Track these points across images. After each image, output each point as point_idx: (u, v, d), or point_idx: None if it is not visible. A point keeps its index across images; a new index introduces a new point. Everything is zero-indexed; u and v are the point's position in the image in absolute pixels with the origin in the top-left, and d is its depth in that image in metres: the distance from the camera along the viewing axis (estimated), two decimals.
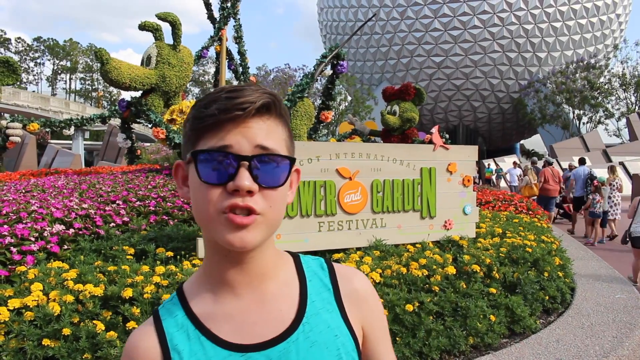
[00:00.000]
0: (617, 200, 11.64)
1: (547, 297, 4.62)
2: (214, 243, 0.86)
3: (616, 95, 43.82)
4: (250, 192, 0.80)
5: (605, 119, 43.93)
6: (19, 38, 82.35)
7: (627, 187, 19.40)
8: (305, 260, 1.00)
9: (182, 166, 0.90)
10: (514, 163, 21.14)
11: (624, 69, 43.94)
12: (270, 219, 0.84)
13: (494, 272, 4.38)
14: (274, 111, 0.85)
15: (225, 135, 0.81)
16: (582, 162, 14.06)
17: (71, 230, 4.12)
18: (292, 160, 0.86)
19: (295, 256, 1.00)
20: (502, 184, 22.82)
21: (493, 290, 4.17)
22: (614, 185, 11.67)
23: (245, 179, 0.79)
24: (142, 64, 7.37)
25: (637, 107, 42.72)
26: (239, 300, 0.89)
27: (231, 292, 0.89)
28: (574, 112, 43.52)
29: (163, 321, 0.89)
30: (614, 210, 11.60)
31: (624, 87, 43.46)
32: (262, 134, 0.82)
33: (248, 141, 0.81)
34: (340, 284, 0.97)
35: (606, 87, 42.35)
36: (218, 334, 0.87)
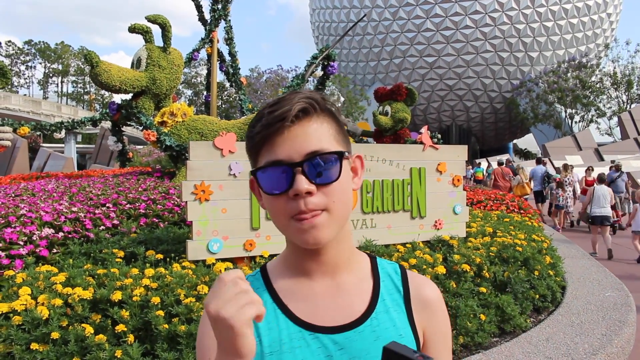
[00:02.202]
0: (569, 194, 13.49)
1: (537, 296, 4.64)
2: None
3: (607, 94, 44.11)
4: (309, 193, 0.87)
5: (597, 117, 44.21)
6: (10, 41, 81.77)
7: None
8: (381, 262, 1.07)
9: (253, 180, 0.99)
10: (539, 160, 16.67)
11: (615, 68, 44.26)
12: (336, 213, 0.91)
13: (484, 272, 4.40)
14: (314, 112, 0.91)
15: (276, 148, 0.89)
16: (539, 161, 16.42)
17: (60, 234, 4.10)
18: (340, 154, 0.91)
19: (373, 257, 1.08)
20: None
21: (483, 289, 4.19)
22: (566, 181, 13.50)
23: (302, 183, 0.87)
24: (132, 66, 7.35)
25: (628, 106, 43.00)
26: (315, 285, 0.98)
27: (308, 278, 0.98)
28: (566, 111, 43.77)
29: None
30: (566, 203, 13.47)
31: (615, 86, 43.75)
32: (308, 139, 0.89)
33: (297, 150, 0.88)
34: (411, 288, 1.04)
35: (598, 86, 42.62)
36: (293, 311, 0.96)
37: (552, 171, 16.58)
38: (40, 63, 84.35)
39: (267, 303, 0.96)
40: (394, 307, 1.00)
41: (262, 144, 0.90)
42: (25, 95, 62.37)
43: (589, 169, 16.05)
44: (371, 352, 0.93)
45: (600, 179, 11.07)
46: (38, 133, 8.80)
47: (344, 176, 0.91)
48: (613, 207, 10.72)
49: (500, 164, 17.01)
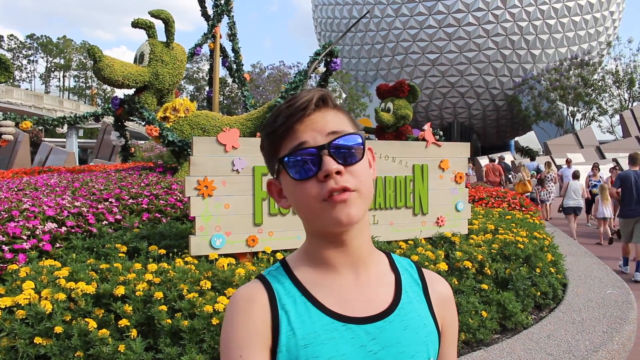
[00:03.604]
0: (550, 189, 14.83)
1: (538, 293, 4.65)
2: (315, 228, 0.97)
3: (609, 92, 44.02)
4: (339, 173, 0.89)
5: (598, 115, 44.14)
6: (12, 35, 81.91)
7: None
8: (396, 258, 1.10)
9: (274, 182, 1.01)
10: (532, 157, 17.60)
11: (617, 66, 44.18)
12: (364, 192, 0.93)
13: (486, 269, 4.40)
14: (330, 103, 0.95)
15: (299, 135, 0.92)
16: (532, 158, 19.11)
17: (63, 229, 4.11)
18: (361, 135, 0.95)
19: (388, 253, 1.10)
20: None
21: (485, 286, 4.19)
22: (548, 177, 14.93)
23: (331, 163, 0.89)
24: (135, 61, 7.35)
25: (630, 104, 42.92)
26: (342, 278, 0.99)
27: (334, 271, 0.99)
28: (567, 109, 43.70)
29: (272, 284, 0.98)
30: (548, 197, 14.94)
31: (617, 84, 43.67)
32: (328, 122, 0.93)
33: (319, 132, 0.92)
34: (428, 282, 1.07)
35: (600, 84, 42.53)
36: (323, 302, 0.96)
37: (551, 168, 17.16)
38: (42, 57, 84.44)
39: (295, 296, 0.96)
40: (416, 298, 1.03)
41: (284, 135, 0.93)
42: (27, 89, 62.36)
43: (615, 169, 15.82)
44: (401, 341, 0.96)
45: (575, 176, 12.70)
46: (40, 127, 8.80)
47: (365, 158, 0.95)
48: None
49: (492, 160, 18.47)
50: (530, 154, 18.49)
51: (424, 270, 1.10)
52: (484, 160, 28.32)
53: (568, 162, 16.19)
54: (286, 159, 0.92)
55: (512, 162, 22.32)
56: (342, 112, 0.97)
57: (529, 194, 15.00)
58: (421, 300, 1.03)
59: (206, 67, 53.50)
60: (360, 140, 0.94)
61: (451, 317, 1.08)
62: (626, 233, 8.73)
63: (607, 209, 11.11)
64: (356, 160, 0.92)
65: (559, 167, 18.33)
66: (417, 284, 1.05)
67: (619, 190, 8.83)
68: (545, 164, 16.01)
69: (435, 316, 1.03)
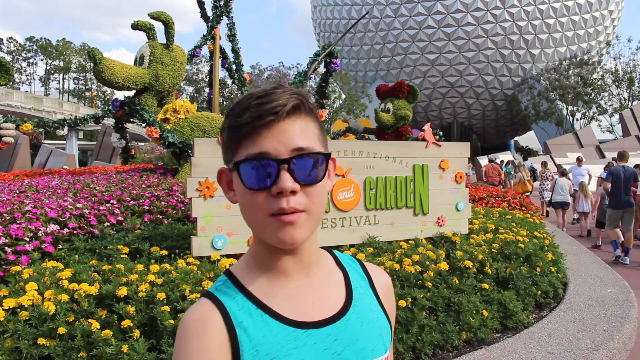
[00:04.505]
0: (546, 186, 15.15)
1: (539, 292, 4.66)
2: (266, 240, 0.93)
3: (609, 92, 44.04)
4: (293, 192, 0.85)
5: (598, 115, 44.15)
6: (11, 38, 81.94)
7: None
8: (339, 255, 1.09)
9: (225, 172, 0.95)
10: (579, 159, 16.52)
11: (616, 65, 44.19)
12: (314, 214, 0.89)
13: (487, 268, 4.41)
14: (303, 110, 0.89)
15: (262, 141, 0.85)
16: (525, 158, 20.56)
17: (65, 230, 4.13)
18: (327, 155, 0.90)
19: (330, 251, 1.08)
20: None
21: (486, 285, 4.20)
22: (544, 176, 15.24)
23: (287, 180, 0.84)
24: (135, 63, 7.37)
25: (629, 103, 42.94)
26: (294, 283, 0.96)
27: (285, 277, 0.95)
28: (567, 109, 43.72)
29: (223, 302, 0.91)
30: (545, 194, 15.16)
31: (616, 84, 43.69)
32: (296, 135, 0.86)
33: (284, 144, 0.85)
34: (371, 274, 1.08)
35: (599, 83, 42.54)
36: (280, 313, 0.92)
37: (552, 168, 17.48)
38: (42, 60, 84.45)
39: (250, 310, 0.91)
40: (365, 293, 1.03)
41: (247, 135, 0.86)
42: (26, 92, 62.37)
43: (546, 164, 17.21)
44: (360, 337, 0.96)
45: (562, 173, 13.48)
46: (40, 130, 8.81)
47: (325, 178, 0.91)
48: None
49: (490, 161, 19.39)
50: (525, 152, 18.87)
51: (365, 263, 1.10)
52: (483, 160, 28.34)
53: (579, 160, 16.01)
54: (242, 165, 0.86)
55: (512, 161, 22.33)
56: (313, 121, 0.91)
57: (528, 193, 15.06)
58: (370, 294, 1.04)
59: (206, 69, 53.57)
60: (324, 162, 0.89)
61: (392, 306, 1.10)
62: (613, 221, 9.59)
63: (586, 204, 12.04)
64: (315, 181, 0.87)
65: (559, 166, 18.33)
66: (364, 279, 1.06)
67: (609, 183, 9.68)
68: (542, 163, 16.44)
69: (384, 307, 1.04)
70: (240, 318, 0.89)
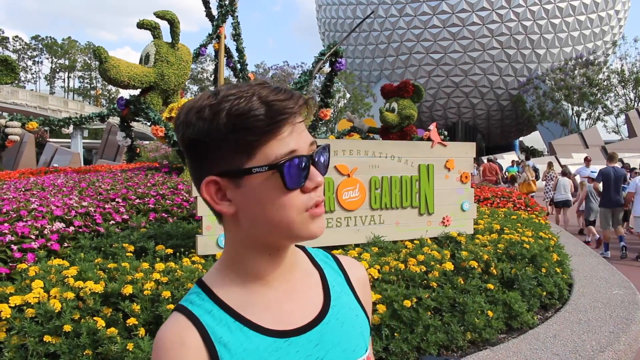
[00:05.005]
0: (550, 187, 15.18)
1: (544, 293, 4.65)
2: (254, 240, 0.89)
3: (615, 92, 43.83)
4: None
5: (604, 115, 43.96)
6: (17, 36, 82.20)
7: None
8: (312, 251, 1.06)
9: (217, 182, 0.85)
10: (587, 160, 16.19)
11: (622, 65, 43.97)
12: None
13: (492, 268, 4.40)
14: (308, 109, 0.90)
15: (287, 139, 0.83)
16: (527, 158, 20.67)
17: (71, 228, 4.14)
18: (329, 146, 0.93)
19: (302, 248, 1.05)
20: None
21: (491, 286, 4.19)
22: (549, 177, 15.35)
23: (319, 175, 0.86)
24: (140, 62, 7.38)
25: (635, 104, 42.75)
26: (272, 290, 0.93)
27: (263, 284, 0.92)
28: (572, 109, 43.54)
29: (199, 316, 0.86)
30: (548, 195, 15.37)
31: (622, 84, 43.48)
32: (306, 130, 0.88)
33: (304, 140, 0.86)
34: (347, 269, 1.06)
35: (605, 83, 42.35)
36: (260, 324, 0.88)
37: (557, 168, 17.57)
38: (47, 58, 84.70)
39: (228, 323, 0.87)
40: (342, 290, 1.01)
41: (270, 134, 0.81)
42: (32, 90, 62.60)
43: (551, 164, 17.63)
44: (342, 339, 0.94)
45: (563, 173, 14.10)
46: (46, 128, 8.84)
47: None
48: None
49: (489, 160, 20.27)
50: (527, 152, 19.15)
51: (340, 257, 1.08)
52: None
53: (587, 160, 15.73)
54: (287, 165, 0.81)
55: (516, 161, 22.28)
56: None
57: (533, 193, 14.99)
58: (347, 291, 1.02)
59: (210, 68, 53.64)
60: (329, 154, 0.93)
61: (368, 300, 1.08)
62: (605, 220, 10.11)
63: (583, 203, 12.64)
64: (326, 171, 0.90)
65: (564, 166, 18.29)
66: (339, 275, 1.04)
67: (600, 183, 10.38)
68: (548, 164, 16.74)
69: (361, 303, 1.02)
70: (219, 333, 0.85)
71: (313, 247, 1.09)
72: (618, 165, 11.36)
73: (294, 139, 0.83)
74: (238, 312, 0.88)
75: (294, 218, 0.85)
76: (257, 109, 0.80)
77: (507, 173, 20.18)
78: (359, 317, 1.00)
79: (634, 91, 43.96)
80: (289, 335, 0.90)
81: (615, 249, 10.05)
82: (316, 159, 0.86)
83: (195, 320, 0.85)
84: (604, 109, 43.27)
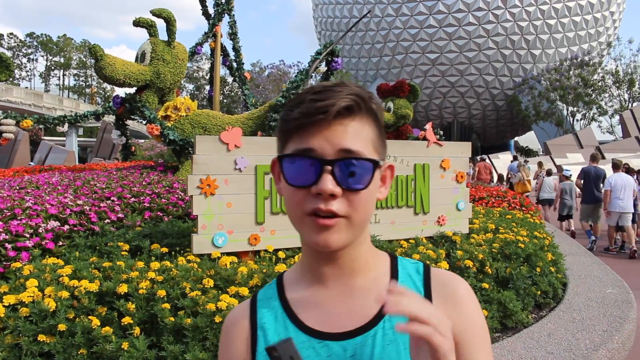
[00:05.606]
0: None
1: (539, 292, 4.67)
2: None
3: (609, 93, 44.05)
4: (333, 196, 0.82)
5: (598, 116, 44.16)
6: (11, 34, 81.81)
7: None
8: (402, 262, 1.00)
9: (275, 162, 0.93)
10: (515, 157, 19.38)
11: (617, 66, 44.21)
12: (355, 221, 0.86)
13: (487, 268, 4.42)
14: (358, 111, 0.85)
15: (309, 138, 0.83)
16: (515, 158, 22.01)
17: (66, 227, 4.13)
18: (375, 162, 0.85)
19: (394, 257, 1.01)
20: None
21: (486, 285, 4.21)
22: (540, 176, 15.59)
23: (328, 182, 0.81)
24: (136, 60, 7.36)
25: (630, 105, 42.94)
26: (328, 291, 0.93)
27: (321, 284, 0.94)
28: (567, 109, 43.71)
29: (258, 302, 0.99)
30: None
31: (617, 85, 43.70)
32: (346, 136, 0.83)
33: (331, 145, 0.82)
34: (433, 287, 0.95)
35: (600, 84, 42.54)
36: (303, 320, 0.92)
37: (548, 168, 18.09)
38: (42, 56, 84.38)
39: (277, 313, 0.94)
40: None
41: (295, 131, 0.85)
42: (27, 88, 62.34)
43: (541, 164, 18.21)
44: (383, 358, 0.88)
45: (548, 172, 14.60)
46: (40, 126, 8.80)
47: (372, 186, 0.87)
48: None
49: (482, 160, 21.45)
50: (522, 152, 19.90)
51: (435, 272, 0.98)
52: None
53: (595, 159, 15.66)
54: (285, 159, 0.85)
55: (526, 161, 22.40)
56: (371, 124, 0.87)
57: (528, 193, 15.06)
58: None
59: (206, 66, 53.53)
60: (372, 169, 0.85)
61: (468, 318, 0.93)
62: (586, 214, 11.14)
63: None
64: (359, 188, 0.84)
65: (559, 166, 18.38)
66: (418, 292, 0.95)
67: (582, 181, 11.25)
68: (538, 163, 17.46)
69: None
70: (264, 320, 0.95)
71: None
72: (599, 165, 12.07)
73: (317, 139, 0.83)
74: (289, 304, 0.95)
75: (298, 217, 0.86)
76: (295, 105, 0.85)
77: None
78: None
79: (628, 92, 44.17)
80: (325, 338, 0.89)
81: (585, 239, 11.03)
82: (336, 169, 0.82)
83: (253, 305, 0.99)
84: (599, 109, 43.47)
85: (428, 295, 0.95)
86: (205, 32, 9.86)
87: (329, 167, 0.82)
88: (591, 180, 10.90)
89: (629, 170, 14.63)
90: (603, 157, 28.33)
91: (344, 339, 0.89)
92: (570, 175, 12.91)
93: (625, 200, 10.43)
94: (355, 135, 0.84)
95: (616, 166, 10.89)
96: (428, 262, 4.09)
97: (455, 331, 0.89)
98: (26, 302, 2.74)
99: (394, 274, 0.97)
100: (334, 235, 0.84)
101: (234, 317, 0.99)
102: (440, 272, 0.99)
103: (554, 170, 17.61)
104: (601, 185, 11.12)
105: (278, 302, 0.96)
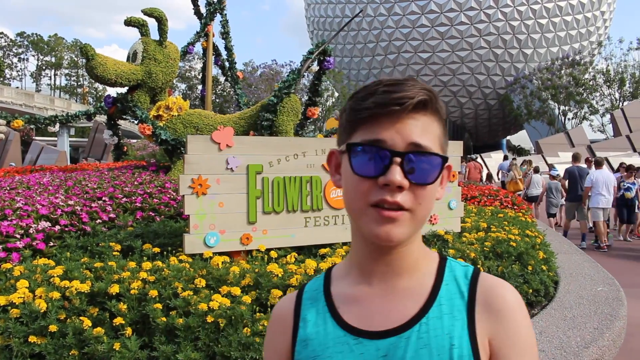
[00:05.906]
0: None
1: (530, 291, 4.69)
2: (361, 233, 0.90)
3: (600, 92, 44.33)
4: (400, 188, 0.82)
5: (590, 115, 44.43)
6: (2, 33, 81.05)
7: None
8: (451, 264, 0.97)
9: (336, 154, 0.93)
10: (505, 156, 20.98)
11: (608, 65, 44.47)
12: (418, 215, 0.86)
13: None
14: (430, 107, 0.85)
15: (380, 129, 0.83)
16: (505, 157, 22.66)
17: (57, 227, 4.10)
18: (444, 159, 0.86)
19: (443, 258, 0.98)
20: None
21: None
22: (529, 175, 15.60)
23: (396, 174, 0.81)
24: (128, 59, 7.32)
25: (620, 104, 43.25)
26: (369, 287, 0.93)
27: (366, 281, 0.94)
28: (559, 108, 43.96)
29: (304, 293, 1.01)
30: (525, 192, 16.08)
31: (608, 84, 43.99)
32: (417, 130, 0.84)
33: (402, 137, 0.83)
34: (478, 293, 0.91)
35: (591, 83, 42.81)
36: (341, 314, 0.93)
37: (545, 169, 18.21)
38: (33, 55, 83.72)
39: (319, 307, 0.96)
40: (452, 313, 0.89)
41: (367, 120, 0.84)
42: (17, 87, 61.88)
43: (530, 162, 18.45)
44: None
45: (536, 170, 14.73)
46: (31, 126, 8.74)
47: (438, 182, 0.87)
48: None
49: (471, 159, 22.06)
50: (514, 151, 20.23)
51: (483, 278, 0.93)
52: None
53: (598, 163, 14.79)
54: (355, 148, 0.84)
55: (529, 161, 22.48)
56: (437, 122, 0.87)
57: (520, 192, 15.12)
58: (460, 316, 0.88)
59: (198, 66, 53.35)
60: (439, 164, 0.85)
61: (510, 328, 0.87)
62: (570, 213, 11.68)
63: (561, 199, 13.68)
64: (426, 182, 0.84)
65: (551, 165, 18.46)
66: (462, 297, 0.90)
67: (566, 181, 11.77)
68: (527, 162, 17.81)
69: (477, 335, 0.86)
70: (307, 311, 0.97)
71: (454, 257, 1.04)
72: (582, 164, 12.68)
73: (388, 131, 0.83)
74: (332, 299, 0.96)
75: (360, 208, 0.85)
76: (366, 95, 0.85)
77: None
78: (456, 348, 0.85)
79: (619, 91, 44.49)
80: (361, 335, 0.89)
81: (576, 237, 11.32)
82: (405, 162, 0.82)
83: (299, 297, 1.01)
84: (590, 108, 43.75)
85: (472, 302, 0.90)
86: (197, 32, 9.83)
87: (399, 159, 0.82)
88: (575, 179, 11.42)
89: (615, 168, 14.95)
90: (594, 156, 28.54)
91: (378, 338, 0.88)
92: (558, 175, 13.24)
93: (607, 196, 10.85)
94: (425, 131, 0.85)
95: (598, 163, 11.28)
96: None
97: (495, 344, 0.87)
98: (17, 303, 2.72)
99: (440, 276, 0.94)
100: (397, 228, 0.83)
101: (280, 308, 1.03)
102: (490, 278, 0.94)
103: (546, 168, 17.84)
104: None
105: (322, 296, 0.98)
